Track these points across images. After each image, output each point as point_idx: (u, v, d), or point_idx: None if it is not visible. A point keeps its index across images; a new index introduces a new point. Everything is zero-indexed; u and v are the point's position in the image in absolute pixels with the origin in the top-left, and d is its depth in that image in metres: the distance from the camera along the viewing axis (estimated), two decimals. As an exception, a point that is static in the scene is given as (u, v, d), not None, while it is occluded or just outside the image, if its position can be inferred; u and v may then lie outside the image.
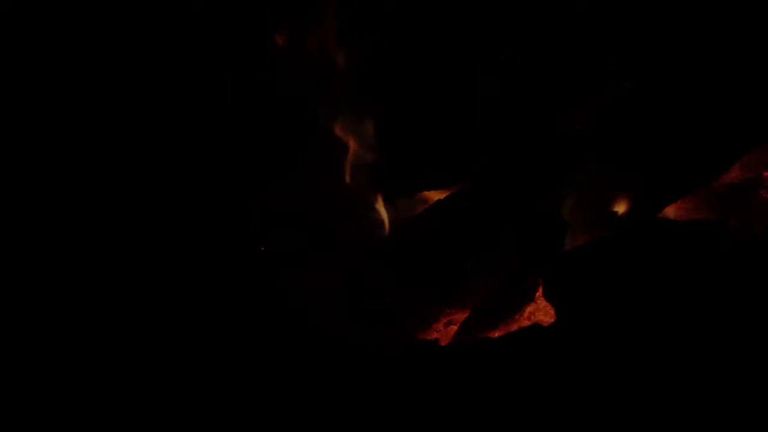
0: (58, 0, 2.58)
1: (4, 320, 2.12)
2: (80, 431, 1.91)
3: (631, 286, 2.02)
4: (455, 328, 2.29)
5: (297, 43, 2.68)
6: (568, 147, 2.37)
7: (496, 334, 2.18)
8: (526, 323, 2.27)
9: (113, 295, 2.19)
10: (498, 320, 2.22)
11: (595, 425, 1.75)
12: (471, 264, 2.34)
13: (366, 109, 2.59)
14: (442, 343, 2.22)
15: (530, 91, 2.48)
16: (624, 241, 2.17)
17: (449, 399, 1.80)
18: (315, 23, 2.66)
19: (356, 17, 2.65)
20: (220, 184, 2.58)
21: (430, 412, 1.79)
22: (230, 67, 2.69)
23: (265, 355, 2.03)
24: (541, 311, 2.31)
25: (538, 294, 2.27)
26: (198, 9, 2.67)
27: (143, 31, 2.65)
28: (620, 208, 2.33)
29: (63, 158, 2.48)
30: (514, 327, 2.24)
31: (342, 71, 2.65)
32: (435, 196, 2.52)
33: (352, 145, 2.58)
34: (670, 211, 2.39)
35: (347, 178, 2.59)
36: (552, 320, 2.22)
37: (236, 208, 2.55)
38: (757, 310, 1.87)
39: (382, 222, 2.52)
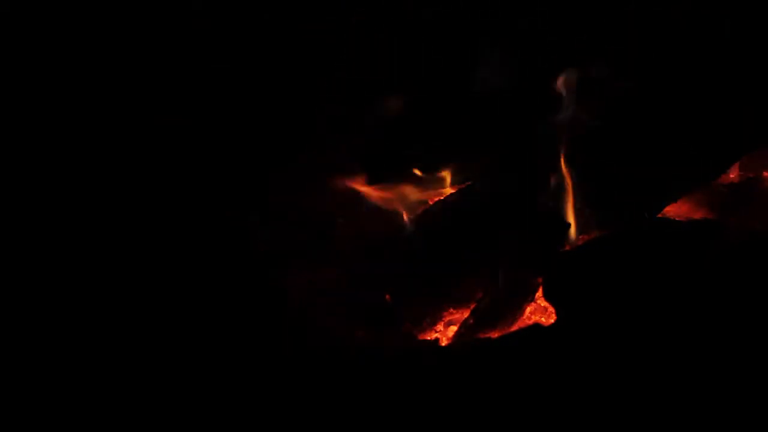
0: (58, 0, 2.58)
1: (3, 320, 2.12)
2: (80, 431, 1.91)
3: (631, 286, 2.02)
4: (455, 328, 2.29)
5: (299, 43, 2.68)
6: (568, 147, 2.37)
7: (496, 334, 2.18)
8: (526, 323, 2.27)
9: (111, 295, 2.19)
10: (498, 320, 2.22)
11: (595, 425, 1.74)
12: (471, 263, 2.34)
13: (367, 109, 2.59)
14: (442, 344, 2.22)
15: (530, 91, 2.47)
16: (624, 241, 2.17)
17: (449, 399, 1.80)
18: (316, 22, 2.66)
19: (358, 15, 2.65)
20: (219, 183, 2.57)
21: (430, 413, 1.79)
22: (231, 65, 2.69)
23: (264, 355, 2.03)
24: (541, 311, 2.31)
25: (538, 294, 2.27)
26: (198, 7, 2.67)
27: (143, 30, 2.65)
28: (620, 207, 2.33)
29: (63, 158, 2.48)
30: (514, 327, 2.24)
31: (343, 70, 2.65)
32: (435, 196, 2.52)
33: (353, 144, 2.58)
34: (670, 211, 2.39)
35: (348, 178, 2.59)
36: (552, 320, 2.23)
37: (236, 208, 2.54)
38: (757, 310, 1.86)
39: (382, 222, 2.52)
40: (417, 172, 2.52)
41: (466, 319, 2.26)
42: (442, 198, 2.48)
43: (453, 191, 2.48)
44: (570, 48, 2.48)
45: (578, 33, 2.48)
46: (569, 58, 2.47)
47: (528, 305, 2.29)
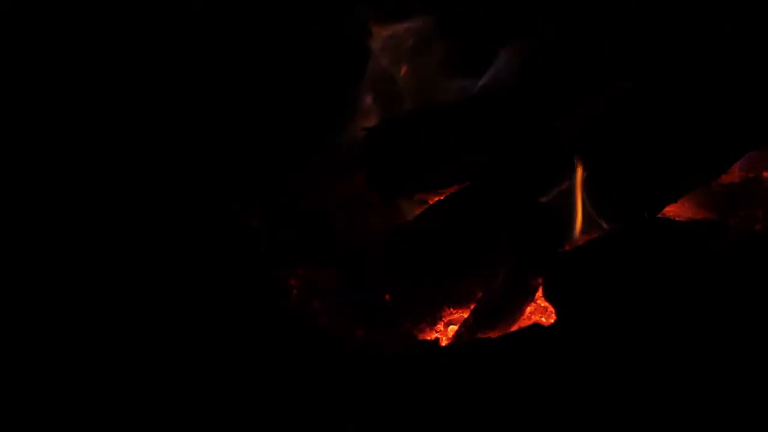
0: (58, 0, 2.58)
1: (4, 320, 2.12)
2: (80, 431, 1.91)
3: (631, 285, 2.02)
4: (455, 328, 2.29)
5: (302, 43, 2.68)
6: (568, 146, 2.36)
7: (496, 334, 2.18)
8: (526, 323, 2.27)
9: (111, 295, 2.19)
10: (498, 320, 2.22)
11: (595, 425, 1.74)
12: (471, 263, 2.34)
13: (367, 109, 2.59)
14: (442, 344, 2.22)
15: (530, 91, 2.47)
16: (624, 241, 2.17)
17: (449, 399, 1.80)
18: (316, 22, 2.66)
19: (358, 17, 2.65)
20: (219, 183, 2.58)
21: (430, 413, 1.79)
22: (231, 65, 2.69)
23: (264, 355, 2.03)
24: (541, 311, 2.31)
25: (538, 294, 2.27)
26: (198, 6, 2.67)
27: (143, 30, 2.65)
28: (620, 207, 2.32)
29: (63, 158, 2.48)
30: (514, 327, 2.24)
31: (344, 70, 2.65)
32: (434, 196, 2.52)
33: (353, 144, 2.58)
34: (670, 211, 2.39)
35: (348, 178, 2.59)
36: (552, 320, 2.22)
37: (236, 208, 2.55)
38: (757, 311, 1.86)
39: (382, 222, 2.52)
40: (417, 171, 2.52)
41: (466, 319, 2.25)
42: (442, 198, 2.48)
43: (453, 191, 2.48)
44: (570, 48, 2.48)
45: (578, 33, 2.48)
46: (569, 57, 2.47)
47: (528, 305, 2.29)
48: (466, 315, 2.28)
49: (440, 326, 2.33)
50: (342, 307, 2.28)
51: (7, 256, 2.27)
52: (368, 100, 2.62)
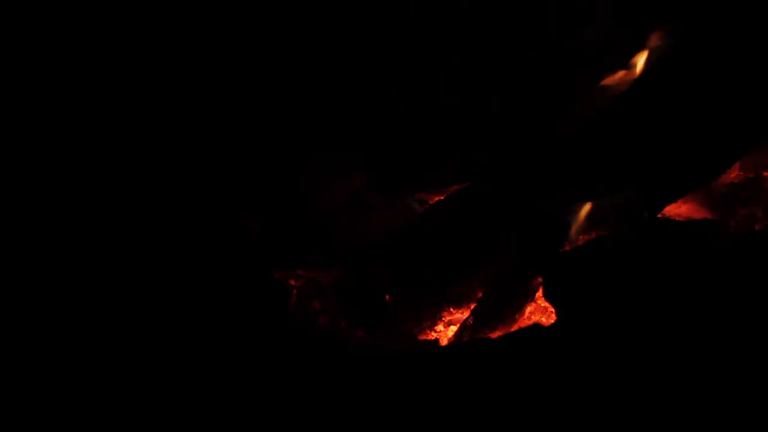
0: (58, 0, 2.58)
1: (4, 320, 2.12)
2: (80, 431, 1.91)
3: (631, 285, 2.02)
4: (455, 328, 2.29)
5: (302, 45, 2.68)
6: (568, 147, 2.37)
7: (496, 334, 2.18)
8: (526, 323, 2.27)
9: (112, 296, 2.19)
10: (498, 320, 2.22)
11: (595, 425, 1.74)
12: (471, 264, 2.34)
13: (368, 110, 2.59)
14: (442, 344, 2.22)
15: (530, 92, 2.48)
16: (624, 241, 2.17)
17: (449, 399, 1.80)
18: (318, 25, 2.66)
19: (357, 19, 2.65)
20: (221, 183, 2.58)
21: (430, 413, 1.79)
22: (235, 67, 2.69)
23: (265, 354, 2.03)
24: (541, 311, 2.31)
25: (538, 294, 2.27)
26: (198, 7, 2.67)
27: (145, 30, 2.65)
28: (620, 207, 2.33)
29: (63, 158, 2.48)
30: (514, 327, 2.24)
31: (344, 70, 2.65)
32: (435, 196, 2.52)
33: (354, 145, 2.58)
34: (670, 211, 2.39)
35: (348, 178, 2.59)
36: (552, 320, 2.23)
37: (238, 209, 2.55)
38: (757, 310, 1.86)
39: (382, 222, 2.52)
40: (418, 172, 2.53)
41: (466, 319, 2.26)
42: (442, 198, 2.48)
43: (453, 191, 2.49)
44: (569, 49, 2.48)
45: (577, 33, 2.48)
46: (571, 58, 2.48)
47: (528, 305, 2.29)
48: (466, 315, 2.29)
49: (440, 326, 2.33)
50: (342, 307, 2.28)
51: (10, 256, 2.27)
52: (369, 101, 2.62)
